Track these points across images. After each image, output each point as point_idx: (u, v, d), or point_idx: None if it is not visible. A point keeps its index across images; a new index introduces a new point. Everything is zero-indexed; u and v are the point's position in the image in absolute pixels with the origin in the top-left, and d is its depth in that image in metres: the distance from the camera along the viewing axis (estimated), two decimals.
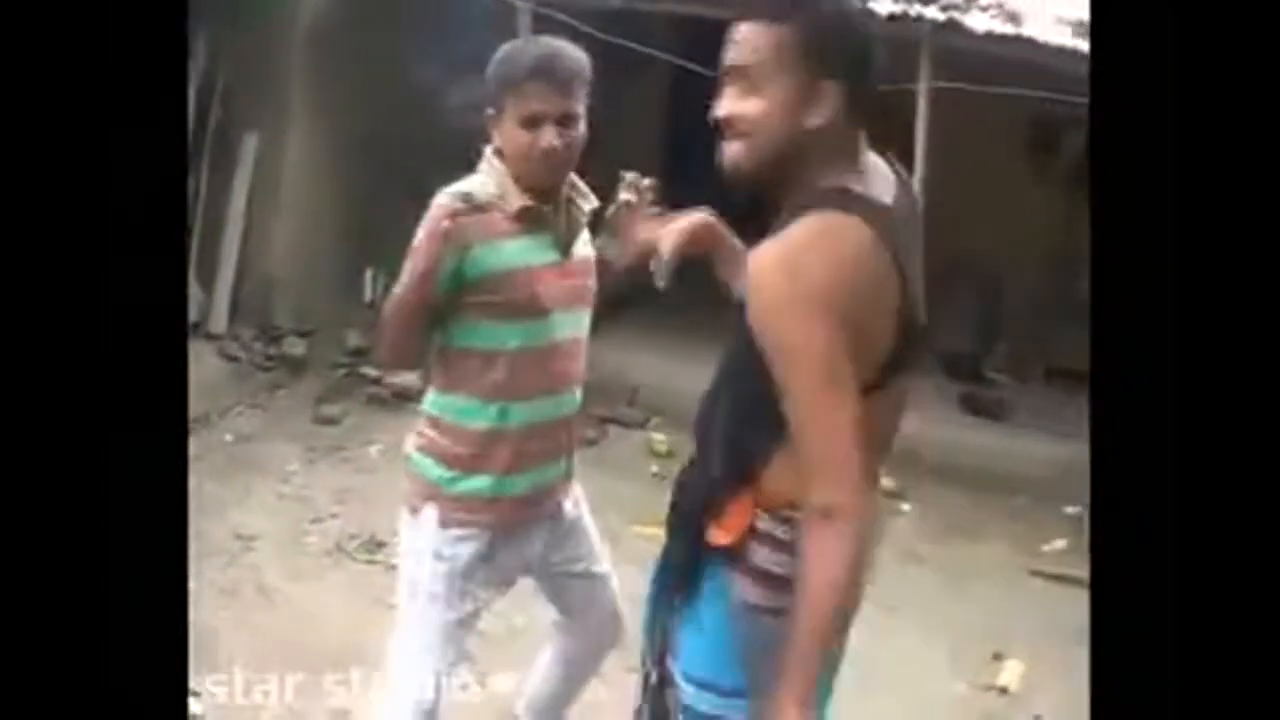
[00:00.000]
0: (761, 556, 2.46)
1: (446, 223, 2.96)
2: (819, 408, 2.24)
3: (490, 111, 3.10)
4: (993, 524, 6.67)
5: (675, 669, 2.65)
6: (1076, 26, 7.11)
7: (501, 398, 3.14)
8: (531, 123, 3.01)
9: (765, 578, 2.46)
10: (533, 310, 3.11)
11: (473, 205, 3.01)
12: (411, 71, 7.04)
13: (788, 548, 2.40)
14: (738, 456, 2.48)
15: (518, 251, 3.08)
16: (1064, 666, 5.02)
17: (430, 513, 3.21)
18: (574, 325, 3.25)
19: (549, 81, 3.00)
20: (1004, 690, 4.81)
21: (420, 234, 3.01)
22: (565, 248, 3.19)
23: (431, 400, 3.27)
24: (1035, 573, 5.94)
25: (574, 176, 3.23)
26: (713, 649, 2.55)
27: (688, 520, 2.59)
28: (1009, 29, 7.15)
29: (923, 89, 7.30)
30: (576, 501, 3.50)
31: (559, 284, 3.17)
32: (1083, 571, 5.98)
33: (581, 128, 3.11)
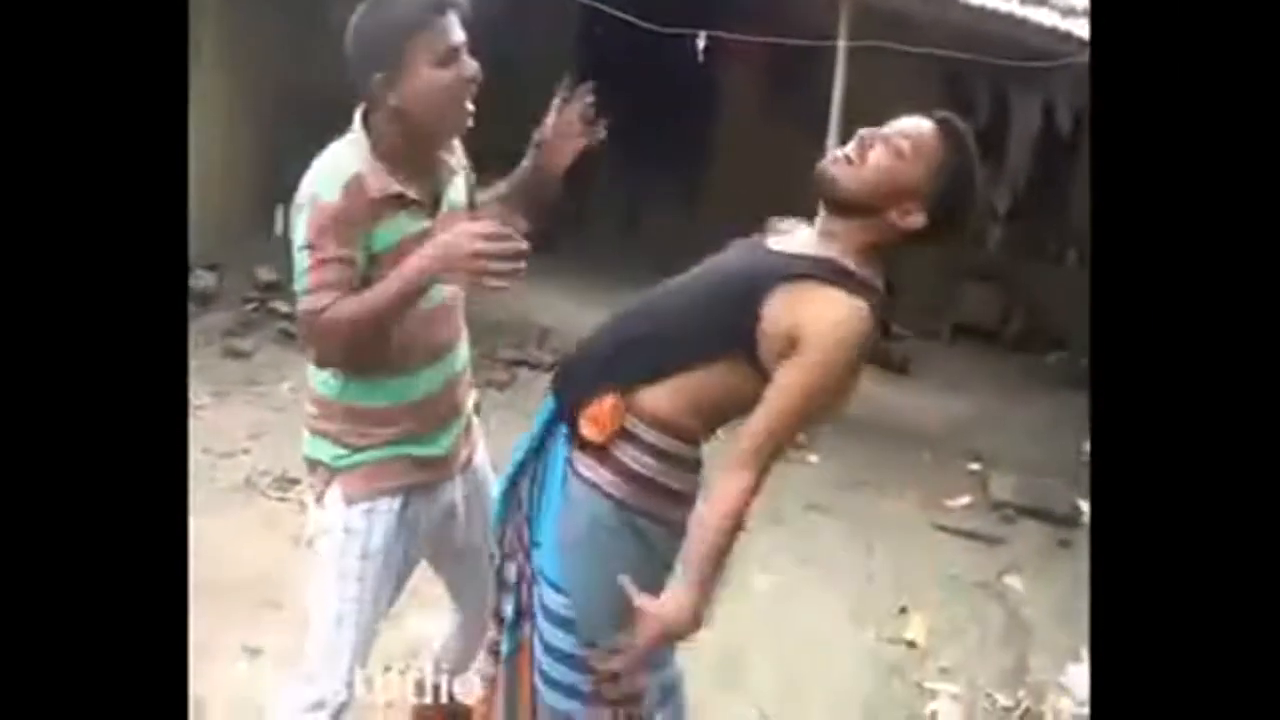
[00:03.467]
0: (628, 455, 2.74)
1: (330, 231, 2.85)
2: (795, 421, 2.68)
3: (378, 75, 2.88)
4: (898, 478, 6.75)
5: (536, 565, 2.92)
6: None
7: (394, 374, 3.05)
8: (450, 57, 2.88)
9: (629, 475, 2.74)
10: None
11: (343, 199, 2.86)
12: (327, 12, 6.99)
13: (652, 451, 2.74)
14: (632, 368, 2.78)
15: (390, 231, 2.94)
16: (968, 620, 5.15)
17: (335, 492, 3.12)
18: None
19: (458, 10, 2.90)
20: (911, 643, 4.90)
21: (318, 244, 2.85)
22: (433, 207, 3.04)
23: (323, 382, 3.12)
24: (939, 527, 6.04)
25: None
26: (572, 552, 2.82)
27: (562, 412, 2.87)
28: None
29: (841, 46, 7.35)
30: (480, 451, 3.43)
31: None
32: (985, 527, 6.14)
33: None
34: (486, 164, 3.28)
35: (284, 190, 3.00)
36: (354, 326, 2.85)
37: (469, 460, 3.35)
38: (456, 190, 3.15)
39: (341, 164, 2.92)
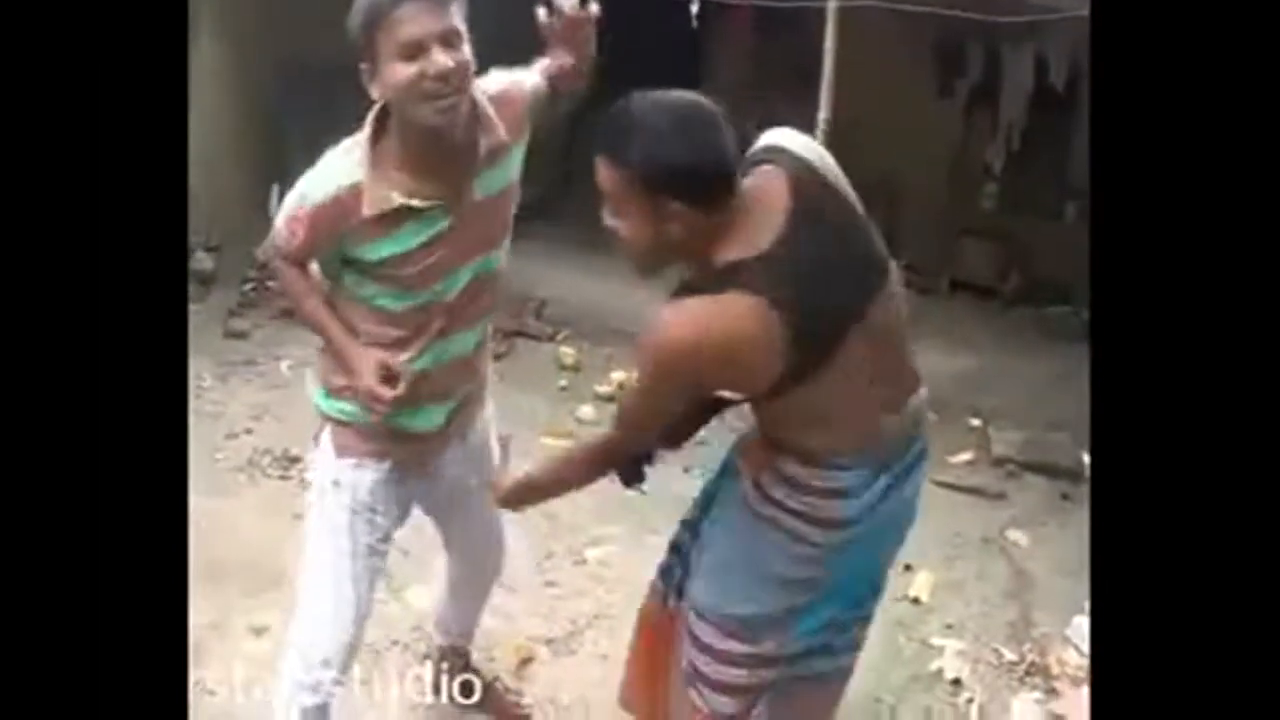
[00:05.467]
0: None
1: (300, 233, 2.95)
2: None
3: (364, 66, 2.80)
4: None
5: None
6: None
7: (401, 350, 3.02)
8: (412, 50, 2.70)
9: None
10: (427, 281, 2.98)
11: (329, 206, 2.87)
12: None
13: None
14: None
15: (395, 241, 2.90)
16: (972, 576, 5.15)
17: (326, 440, 3.16)
18: (479, 269, 3.08)
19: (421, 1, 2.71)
20: (916, 600, 4.92)
21: (279, 236, 3.03)
22: (457, 202, 2.94)
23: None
24: (941, 484, 6.03)
25: (483, 104, 2.93)
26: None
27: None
28: None
29: (832, 6, 7.32)
30: (486, 419, 3.45)
31: (454, 247, 2.97)
32: (987, 483, 6.14)
33: (467, 50, 2.77)
34: None
35: (282, 171, 3.01)
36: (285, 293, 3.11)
37: (464, 435, 3.34)
38: (491, 178, 3.02)
39: (334, 169, 2.89)
